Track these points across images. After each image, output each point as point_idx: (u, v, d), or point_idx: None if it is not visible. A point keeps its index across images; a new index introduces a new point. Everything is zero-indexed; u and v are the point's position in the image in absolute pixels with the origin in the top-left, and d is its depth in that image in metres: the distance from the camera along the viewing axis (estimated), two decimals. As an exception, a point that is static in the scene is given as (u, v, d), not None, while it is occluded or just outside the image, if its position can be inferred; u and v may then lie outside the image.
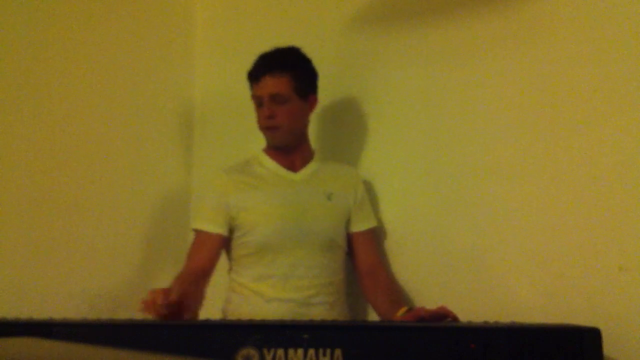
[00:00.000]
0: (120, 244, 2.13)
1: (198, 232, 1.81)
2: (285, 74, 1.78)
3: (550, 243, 1.61)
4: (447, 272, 1.79)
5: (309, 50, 1.90)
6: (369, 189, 1.95)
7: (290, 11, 2.27)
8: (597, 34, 1.58)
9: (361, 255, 1.86)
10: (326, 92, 1.97)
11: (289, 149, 1.85)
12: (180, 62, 2.45)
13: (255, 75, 1.80)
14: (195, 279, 1.71)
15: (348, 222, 1.86)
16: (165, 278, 2.27)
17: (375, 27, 2.04)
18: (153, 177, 2.30)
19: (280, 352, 1.18)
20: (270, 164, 1.85)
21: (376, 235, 1.91)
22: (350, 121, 2.06)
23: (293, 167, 1.86)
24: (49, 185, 1.96)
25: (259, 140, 1.90)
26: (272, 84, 1.77)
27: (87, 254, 2.03)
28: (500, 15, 1.75)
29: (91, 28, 2.12)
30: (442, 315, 1.48)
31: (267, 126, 1.80)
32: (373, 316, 1.84)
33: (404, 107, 1.94)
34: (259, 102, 1.80)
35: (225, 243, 1.81)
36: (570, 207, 1.59)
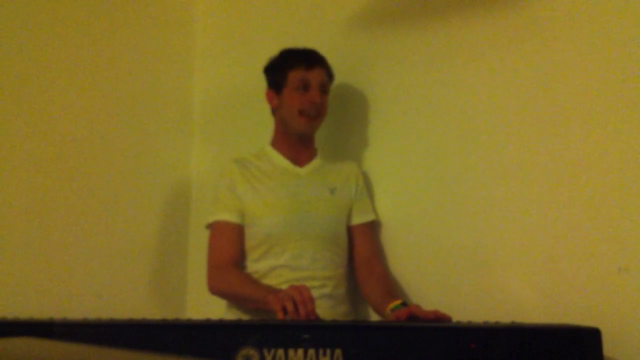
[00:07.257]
0: (121, 243, 2.13)
1: (217, 224, 1.81)
2: (327, 71, 1.90)
3: (550, 243, 1.61)
4: (446, 270, 1.79)
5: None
6: (370, 186, 1.96)
7: (291, 11, 2.27)
8: (597, 34, 1.58)
9: (358, 248, 1.88)
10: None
11: (301, 142, 1.87)
12: (180, 60, 2.45)
13: (309, 62, 1.86)
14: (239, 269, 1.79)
15: (349, 215, 1.88)
16: (165, 277, 2.29)
17: (376, 27, 2.04)
18: (153, 175, 2.30)
19: (280, 352, 1.18)
20: (277, 158, 1.88)
21: (374, 230, 1.92)
22: (351, 120, 2.06)
23: (298, 162, 1.89)
24: (48, 184, 1.96)
25: (258, 137, 1.91)
26: (323, 74, 1.87)
27: (88, 253, 2.03)
28: (501, 15, 1.75)
29: (93, 27, 2.12)
30: (435, 318, 1.45)
31: (312, 111, 1.82)
32: (373, 316, 1.84)
33: (405, 106, 1.94)
34: (304, 85, 1.83)
35: (243, 232, 1.82)
36: (570, 207, 1.59)
